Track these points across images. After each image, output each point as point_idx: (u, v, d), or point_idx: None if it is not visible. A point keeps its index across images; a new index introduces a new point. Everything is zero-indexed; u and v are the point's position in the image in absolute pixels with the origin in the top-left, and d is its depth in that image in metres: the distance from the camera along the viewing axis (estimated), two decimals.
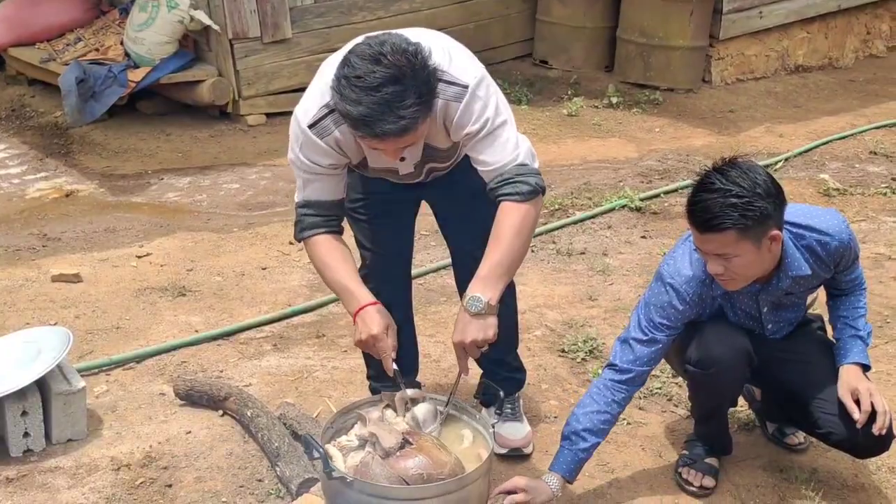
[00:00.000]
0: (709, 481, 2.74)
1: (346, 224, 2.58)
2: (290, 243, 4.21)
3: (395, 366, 2.36)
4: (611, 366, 2.58)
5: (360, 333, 2.33)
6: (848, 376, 2.57)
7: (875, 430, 2.47)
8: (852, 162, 5.44)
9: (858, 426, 2.49)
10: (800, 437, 2.92)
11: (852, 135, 5.86)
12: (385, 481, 2.15)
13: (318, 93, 2.28)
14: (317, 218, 2.41)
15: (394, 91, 2.04)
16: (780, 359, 2.67)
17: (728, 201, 2.28)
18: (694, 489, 2.73)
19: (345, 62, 2.10)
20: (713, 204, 2.29)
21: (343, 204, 2.46)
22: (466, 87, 2.25)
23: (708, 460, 2.78)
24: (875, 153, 5.57)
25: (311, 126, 2.28)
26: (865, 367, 2.62)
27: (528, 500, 2.43)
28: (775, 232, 2.36)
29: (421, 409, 2.38)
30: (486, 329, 2.31)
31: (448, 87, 2.24)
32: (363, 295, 2.35)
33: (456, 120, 2.28)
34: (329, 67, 2.27)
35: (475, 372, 2.92)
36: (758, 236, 2.33)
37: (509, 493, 2.43)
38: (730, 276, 2.40)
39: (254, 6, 5.86)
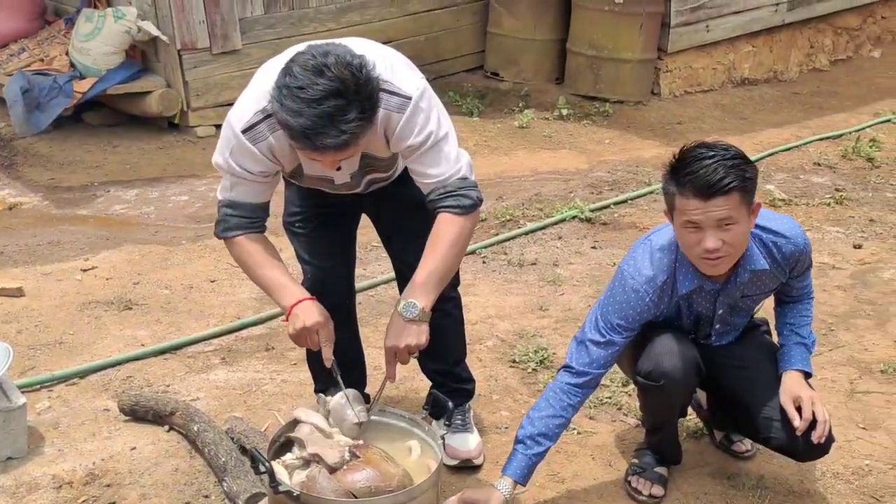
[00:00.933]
0: (658, 490, 2.76)
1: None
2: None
3: (332, 357, 2.35)
4: (567, 368, 2.58)
5: (299, 324, 2.29)
6: (790, 383, 2.60)
7: (814, 438, 2.51)
8: (797, 173, 5.54)
9: (798, 434, 2.53)
10: (747, 444, 2.95)
11: (797, 146, 5.97)
12: (332, 495, 2.13)
13: (254, 97, 2.25)
14: (242, 219, 2.36)
15: (336, 105, 2.01)
16: (725, 364, 2.70)
17: (728, 162, 2.32)
18: (643, 498, 2.75)
19: (286, 71, 2.06)
20: (716, 166, 2.31)
21: (268, 205, 2.42)
22: (409, 98, 2.24)
23: (658, 469, 2.80)
24: (819, 164, 5.68)
25: (244, 131, 2.24)
26: (808, 375, 2.65)
27: None
28: (757, 202, 2.41)
29: (334, 403, 2.36)
30: (420, 335, 2.32)
31: (390, 98, 2.23)
32: (299, 290, 2.34)
33: (398, 131, 2.27)
34: (266, 72, 2.25)
35: (425, 383, 2.90)
36: (749, 202, 2.37)
37: None
38: (725, 252, 2.40)
39: (203, 17, 5.81)
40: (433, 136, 2.28)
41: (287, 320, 2.33)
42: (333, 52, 2.05)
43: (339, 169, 2.37)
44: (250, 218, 2.37)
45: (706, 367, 2.65)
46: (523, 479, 2.52)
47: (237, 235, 2.37)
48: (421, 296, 2.29)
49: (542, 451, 2.53)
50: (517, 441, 2.55)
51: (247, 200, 2.35)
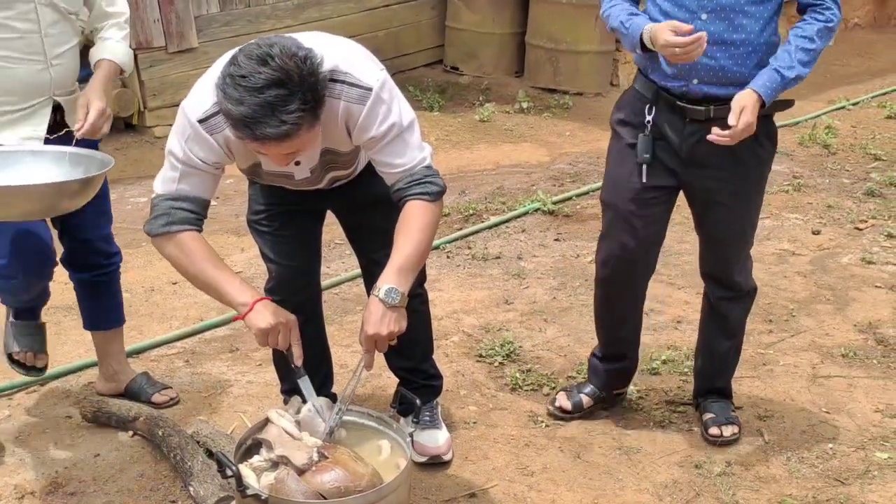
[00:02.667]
0: (565, 404, 3.05)
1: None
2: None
3: (301, 355, 2.30)
4: None
5: (274, 318, 2.22)
6: (740, 96, 2.53)
7: (729, 121, 2.49)
8: None
9: (720, 132, 2.51)
10: (720, 431, 2.95)
11: None
12: (301, 497, 2.10)
13: (212, 87, 2.19)
14: (189, 214, 2.28)
15: (278, 94, 1.99)
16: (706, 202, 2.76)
17: None
18: (551, 408, 3.06)
19: (232, 61, 2.04)
20: None
21: (209, 205, 2.37)
22: (370, 89, 2.22)
23: (583, 392, 3.05)
24: (777, 152, 5.73)
25: (201, 121, 2.20)
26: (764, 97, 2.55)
27: None
28: None
29: (304, 413, 2.33)
30: (400, 321, 2.27)
31: (351, 90, 2.21)
32: (252, 288, 2.29)
33: (360, 123, 2.25)
34: (222, 63, 2.22)
35: (392, 380, 2.89)
36: None
37: None
38: None
39: (157, 15, 5.73)
40: (396, 127, 2.26)
41: (244, 318, 2.25)
42: (279, 43, 2.03)
43: (297, 164, 2.34)
44: (197, 214, 2.29)
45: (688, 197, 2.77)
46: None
47: (182, 231, 2.27)
48: (400, 281, 2.24)
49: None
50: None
51: (196, 194, 2.28)
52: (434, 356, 2.97)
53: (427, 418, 2.88)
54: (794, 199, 5.01)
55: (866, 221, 4.70)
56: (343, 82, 2.18)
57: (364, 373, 2.34)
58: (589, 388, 3.09)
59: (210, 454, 2.74)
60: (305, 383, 2.35)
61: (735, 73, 2.56)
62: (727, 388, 3.07)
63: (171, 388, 3.19)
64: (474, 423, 3.09)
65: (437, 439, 2.86)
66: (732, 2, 2.52)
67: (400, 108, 2.27)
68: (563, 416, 3.06)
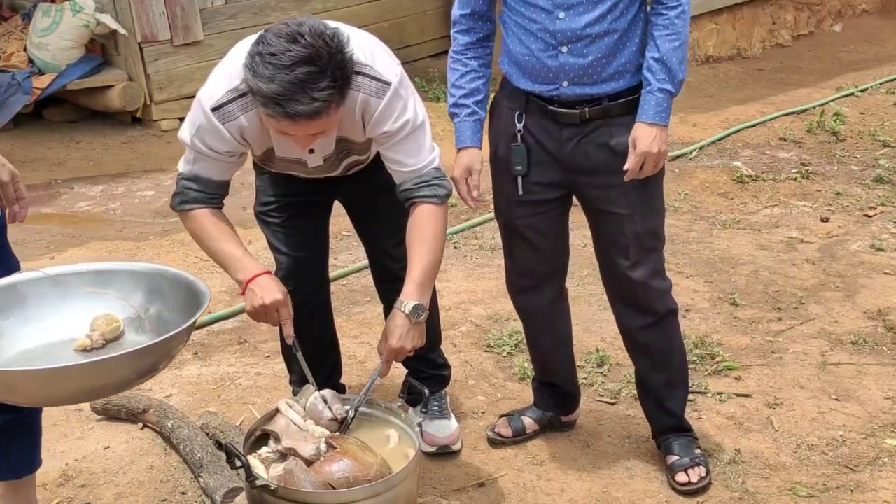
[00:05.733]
0: (505, 431, 2.91)
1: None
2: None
3: (293, 333, 2.32)
4: (455, 24, 2.56)
5: (257, 301, 2.24)
6: (635, 133, 2.42)
7: (626, 176, 2.43)
8: (763, 149, 5.58)
9: (625, 178, 2.44)
10: (691, 476, 2.70)
11: (762, 122, 6.01)
12: (310, 487, 2.11)
13: (226, 76, 2.21)
14: (200, 194, 2.32)
15: (308, 71, 1.99)
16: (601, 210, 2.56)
17: None
18: (490, 434, 2.91)
19: (260, 40, 2.05)
20: None
21: (228, 184, 2.38)
22: (389, 84, 2.23)
23: (525, 416, 2.94)
24: (784, 139, 5.72)
25: (214, 109, 2.21)
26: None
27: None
28: None
29: (309, 403, 2.33)
30: (422, 336, 2.34)
31: (371, 83, 2.22)
32: (254, 265, 2.29)
33: (376, 116, 2.25)
34: (237, 51, 2.22)
35: (401, 371, 2.89)
36: None
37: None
38: None
39: (162, 8, 5.73)
40: (410, 124, 2.28)
41: (243, 294, 2.28)
42: (307, 22, 2.05)
43: (311, 151, 2.34)
44: (209, 194, 2.33)
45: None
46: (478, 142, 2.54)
47: (194, 209, 2.32)
48: (423, 296, 2.30)
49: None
50: (451, 116, 2.57)
51: (208, 176, 2.31)
52: (442, 346, 2.97)
53: (436, 408, 2.88)
54: (803, 187, 4.99)
55: (875, 208, 4.68)
56: (364, 75, 2.19)
57: (378, 379, 2.39)
58: (532, 412, 2.95)
59: (219, 446, 2.75)
60: (301, 359, 2.38)
61: (606, 68, 2.41)
62: (682, 423, 2.80)
63: None
64: (483, 412, 3.09)
65: (445, 429, 2.86)
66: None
67: (415, 107, 2.30)
68: (504, 441, 2.89)
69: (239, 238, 2.36)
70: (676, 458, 2.74)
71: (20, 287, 2.11)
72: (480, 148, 2.57)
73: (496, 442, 2.91)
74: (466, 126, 2.56)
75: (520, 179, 2.55)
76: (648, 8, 2.45)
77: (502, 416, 2.98)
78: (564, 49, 2.38)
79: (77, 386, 1.87)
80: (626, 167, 2.44)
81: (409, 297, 2.29)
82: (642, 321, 2.66)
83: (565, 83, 2.42)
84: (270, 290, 2.25)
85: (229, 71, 2.21)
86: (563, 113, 2.46)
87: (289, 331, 2.32)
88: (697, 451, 2.76)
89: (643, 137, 2.40)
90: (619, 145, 2.46)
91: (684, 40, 2.40)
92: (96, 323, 2.09)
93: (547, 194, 2.58)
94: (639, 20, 2.42)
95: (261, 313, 2.27)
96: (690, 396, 3.13)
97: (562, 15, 2.36)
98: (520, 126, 2.52)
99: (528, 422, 2.93)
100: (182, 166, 2.35)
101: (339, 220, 2.89)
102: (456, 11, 2.57)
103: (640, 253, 2.57)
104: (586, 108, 2.44)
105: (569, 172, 2.53)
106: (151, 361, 1.95)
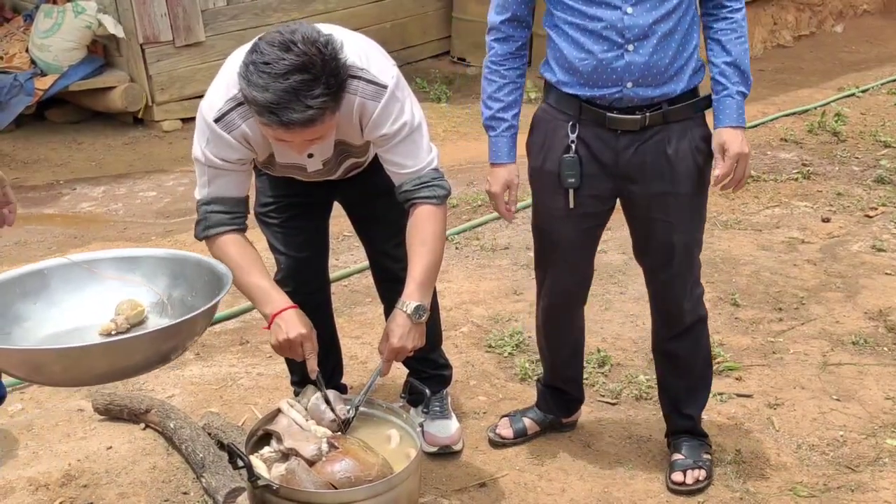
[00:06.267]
0: (506, 432, 2.90)
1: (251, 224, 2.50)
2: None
3: (318, 368, 2.33)
4: (491, 31, 2.49)
5: (282, 336, 2.27)
6: (721, 135, 2.43)
7: (718, 180, 2.43)
8: (764, 149, 5.58)
9: (713, 184, 2.47)
10: (686, 477, 2.70)
11: (763, 123, 6.01)
12: (312, 487, 2.11)
13: (224, 86, 2.23)
14: (223, 215, 2.32)
15: (302, 80, 2.00)
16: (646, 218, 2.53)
17: None
18: (491, 434, 2.91)
19: (254, 49, 2.06)
20: None
21: (247, 201, 2.40)
22: (385, 87, 2.24)
23: (526, 417, 2.93)
24: (786, 140, 5.72)
25: (216, 120, 2.22)
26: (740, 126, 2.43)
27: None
28: None
29: (311, 403, 2.34)
30: (422, 336, 2.36)
31: (367, 86, 2.23)
32: (281, 298, 2.30)
33: (373, 119, 2.26)
34: (234, 60, 2.23)
35: (402, 371, 2.90)
36: None
37: None
38: None
39: (164, 10, 5.75)
40: (408, 126, 2.29)
41: (268, 328, 2.30)
42: (300, 30, 2.05)
43: (310, 156, 2.35)
44: (231, 213, 2.33)
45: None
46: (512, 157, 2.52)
47: (219, 234, 2.31)
48: (424, 297, 2.31)
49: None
50: (487, 128, 2.53)
51: (227, 194, 2.32)
52: (443, 347, 2.98)
53: (437, 408, 2.89)
54: (804, 187, 4.99)
55: (876, 209, 4.68)
56: (360, 78, 2.20)
57: (378, 379, 2.40)
58: (533, 413, 2.94)
59: (221, 446, 2.76)
60: (321, 388, 2.37)
61: (669, 68, 2.37)
62: (697, 427, 2.79)
63: None
64: (484, 413, 3.09)
65: (447, 429, 2.86)
66: None
67: (412, 109, 2.30)
68: (505, 442, 2.89)
69: (265, 267, 2.36)
70: (681, 457, 2.73)
71: (47, 272, 2.15)
72: (515, 162, 2.56)
73: (497, 443, 2.91)
74: (503, 141, 2.53)
75: (571, 192, 2.48)
76: (700, 11, 2.43)
77: (503, 416, 2.99)
78: (630, 47, 2.32)
79: (103, 365, 1.90)
80: (718, 172, 2.42)
81: (411, 297, 2.30)
82: (672, 331, 2.67)
83: (629, 84, 2.36)
84: (295, 325, 2.26)
85: (227, 80, 2.21)
86: (623, 119, 2.40)
87: (313, 365, 2.31)
88: (706, 455, 2.75)
89: (732, 140, 2.40)
90: (675, 153, 2.43)
91: (748, 43, 2.41)
92: (120, 307, 2.11)
93: (597, 206, 2.53)
94: (695, 21, 2.41)
95: (285, 347, 2.28)
96: None
97: (629, 10, 2.30)
98: (573, 137, 2.45)
99: (529, 423, 2.93)
100: (198, 192, 2.35)
101: (341, 221, 2.90)
102: (494, 17, 2.49)
103: (685, 260, 2.56)
104: (647, 113, 2.39)
105: (621, 182, 2.48)
106: (174, 343, 1.98)
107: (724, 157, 2.42)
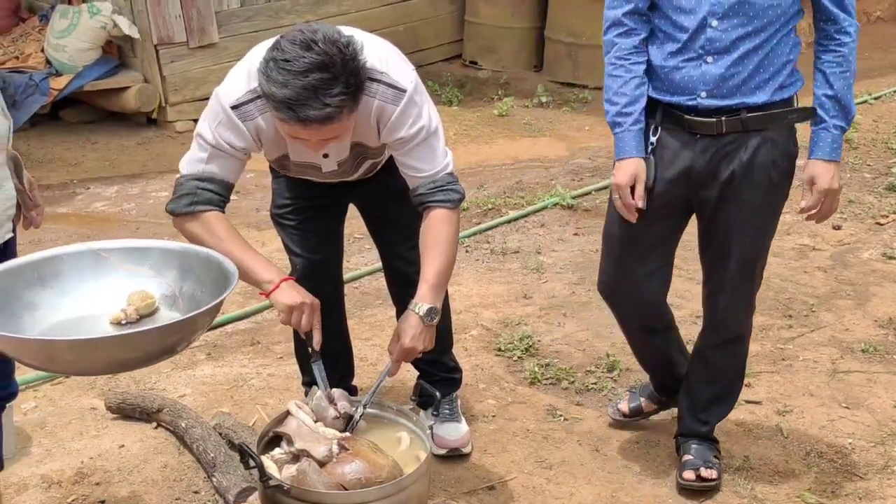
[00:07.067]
0: (623, 406, 3.01)
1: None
2: None
3: (319, 339, 2.32)
4: (615, 26, 2.45)
5: (296, 298, 2.24)
6: (811, 169, 2.47)
7: (805, 212, 2.49)
8: None
9: (799, 212, 2.53)
10: (701, 473, 2.70)
11: None
12: (323, 488, 2.13)
13: (246, 75, 2.23)
14: (214, 196, 2.30)
15: (321, 78, 2.02)
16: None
17: None
18: (610, 411, 3.02)
19: (275, 46, 2.08)
20: None
21: (233, 189, 2.39)
22: (405, 91, 2.26)
23: (643, 395, 2.98)
24: (798, 146, 5.70)
25: (234, 107, 2.24)
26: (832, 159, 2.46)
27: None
28: None
29: (315, 401, 2.35)
30: (433, 338, 2.37)
31: (386, 90, 2.25)
32: (277, 268, 2.30)
33: (391, 122, 2.28)
34: (257, 52, 2.24)
35: (412, 373, 2.92)
36: None
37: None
38: None
39: (178, 11, 5.78)
40: (425, 130, 2.31)
41: (269, 295, 2.26)
42: (322, 30, 2.07)
43: (326, 156, 2.37)
44: (221, 196, 2.32)
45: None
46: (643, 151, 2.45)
47: (207, 210, 2.29)
48: (436, 299, 2.32)
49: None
50: (613, 125, 2.46)
51: (221, 176, 2.31)
52: (453, 350, 2.99)
53: (447, 411, 2.90)
54: None
55: (887, 217, 4.68)
56: (379, 81, 2.22)
57: (387, 379, 2.41)
58: (650, 392, 2.99)
59: (232, 445, 2.78)
60: (319, 368, 2.39)
61: (747, 82, 2.39)
62: (710, 434, 2.79)
63: None
64: (493, 416, 3.11)
65: (456, 432, 2.88)
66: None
67: (430, 112, 2.32)
68: (624, 419, 3.00)
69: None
70: (691, 458, 2.74)
71: (61, 259, 2.16)
72: (644, 156, 2.49)
73: (616, 420, 3.00)
74: (631, 136, 2.47)
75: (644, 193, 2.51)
76: (801, 38, 2.46)
77: (629, 390, 3.07)
78: (710, 59, 2.36)
79: (115, 355, 1.92)
80: (804, 205, 2.45)
81: (423, 299, 2.31)
82: (715, 339, 2.67)
83: (703, 94, 2.39)
84: (306, 292, 2.27)
85: (248, 71, 2.23)
86: (700, 123, 2.41)
87: (318, 337, 2.32)
88: (715, 458, 2.75)
89: (822, 175, 2.42)
90: (750, 162, 2.43)
91: (854, 76, 2.41)
92: (132, 298, 2.13)
93: (668, 209, 2.54)
94: (790, 37, 2.42)
95: (297, 311, 2.26)
96: None
97: (714, 23, 2.33)
98: (653, 139, 2.48)
99: (645, 402, 2.98)
100: (191, 167, 2.31)
101: (351, 223, 2.92)
102: (615, 12, 2.46)
103: (741, 271, 2.56)
104: (723, 119, 2.40)
105: (694, 188, 2.49)
106: (177, 338, 1.99)
107: (812, 190, 2.44)
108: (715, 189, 2.48)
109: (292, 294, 2.26)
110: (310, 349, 2.35)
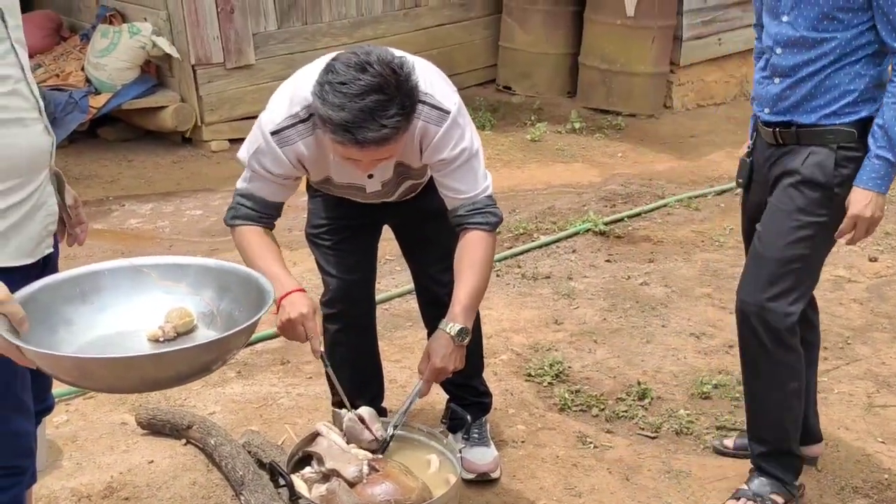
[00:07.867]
0: (730, 443, 3.03)
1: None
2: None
3: (321, 349, 2.32)
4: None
5: (284, 316, 2.26)
6: (853, 198, 2.48)
7: (839, 235, 2.54)
8: None
9: (838, 237, 2.56)
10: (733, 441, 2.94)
11: None
12: None
13: (287, 101, 2.27)
14: (252, 212, 2.37)
15: (377, 99, 2.04)
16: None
17: None
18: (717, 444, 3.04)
19: (329, 69, 2.09)
20: None
21: (282, 206, 2.43)
22: (448, 112, 2.28)
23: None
24: None
25: (273, 133, 2.27)
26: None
27: None
28: None
29: (346, 423, 2.33)
30: (463, 359, 2.37)
31: (431, 111, 2.26)
32: (289, 282, 2.30)
33: (434, 143, 2.29)
34: (300, 78, 2.27)
35: (442, 396, 2.91)
36: None
37: None
38: None
39: (217, 32, 5.85)
40: (467, 152, 2.32)
41: (276, 313, 2.29)
42: (375, 51, 2.09)
43: (370, 177, 2.39)
44: (260, 213, 2.38)
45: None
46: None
47: (242, 225, 2.38)
48: (468, 320, 2.33)
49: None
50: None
51: (262, 196, 2.37)
52: (483, 374, 2.98)
53: (476, 435, 2.89)
54: None
55: None
56: (424, 102, 2.23)
57: (417, 400, 2.40)
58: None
59: (261, 464, 2.78)
60: (331, 374, 2.40)
61: (805, 103, 2.51)
62: (769, 463, 2.74)
63: None
64: (522, 442, 3.08)
65: (485, 456, 2.86)
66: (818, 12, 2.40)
67: (471, 136, 2.34)
68: (725, 452, 3.02)
69: (281, 258, 2.38)
70: (745, 488, 2.74)
71: (102, 275, 2.16)
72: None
73: (718, 451, 3.01)
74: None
75: (742, 192, 2.83)
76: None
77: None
78: (777, 80, 2.56)
79: (151, 373, 1.91)
80: (840, 227, 2.52)
81: (455, 319, 2.31)
82: (758, 337, 2.65)
83: (767, 110, 2.60)
84: (298, 305, 2.26)
85: (290, 96, 2.26)
86: (765, 131, 2.64)
87: (315, 346, 2.31)
88: (775, 497, 2.69)
89: (857, 201, 2.47)
90: (791, 170, 2.54)
91: None
92: (170, 315, 2.13)
93: (752, 211, 2.74)
94: (849, 70, 2.45)
95: (288, 328, 2.28)
96: (732, 433, 3.10)
97: (779, 51, 2.52)
98: (751, 143, 2.75)
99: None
100: (239, 183, 2.41)
101: (382, 245, 2.92)
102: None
103: (762, 267, 2.63)
104: (777, 129, 2.57)
105: (764, 190, 2.68)
106: (213, 357, 1.96)
107: (847, 215, 2.49)
108: (769, 192, 2.66)
109: (284, 311, 2.24)
110: (319, 358, 2.34)
